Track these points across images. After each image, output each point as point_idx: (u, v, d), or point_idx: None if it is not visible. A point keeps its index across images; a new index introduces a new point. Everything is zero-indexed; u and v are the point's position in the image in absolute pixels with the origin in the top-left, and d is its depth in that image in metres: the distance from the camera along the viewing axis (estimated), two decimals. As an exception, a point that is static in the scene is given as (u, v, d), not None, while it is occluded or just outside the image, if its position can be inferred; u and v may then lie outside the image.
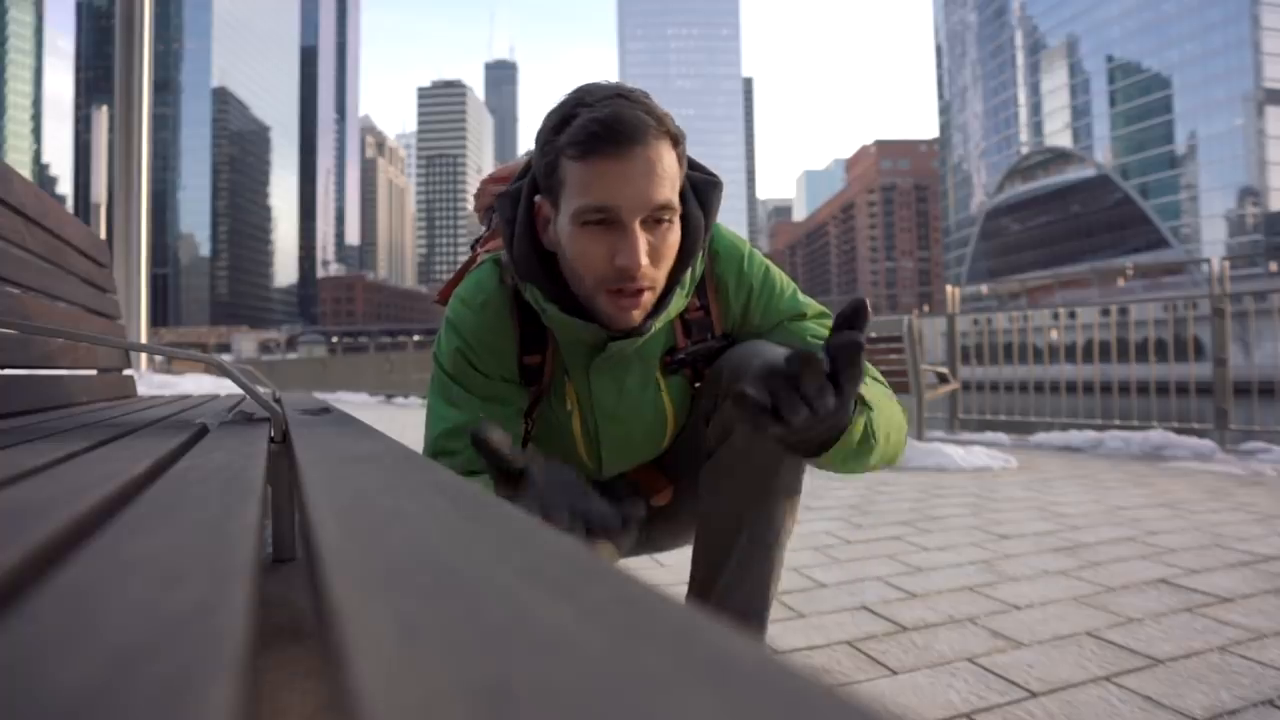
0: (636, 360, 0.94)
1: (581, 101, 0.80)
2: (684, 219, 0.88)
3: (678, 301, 0.90)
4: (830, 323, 1.00)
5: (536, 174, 0.86)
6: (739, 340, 0.97)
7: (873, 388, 0.86)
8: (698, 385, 1.00)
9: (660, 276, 0.85)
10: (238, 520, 0.31)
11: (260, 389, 1.27)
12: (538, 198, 0.88)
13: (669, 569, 1.80)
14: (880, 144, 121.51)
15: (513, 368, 0.95)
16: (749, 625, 0.86)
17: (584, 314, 0.87)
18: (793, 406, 0.63)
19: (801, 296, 1.00)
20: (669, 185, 0.81)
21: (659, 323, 0.88)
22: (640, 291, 0.83)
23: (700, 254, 0.91)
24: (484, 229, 1.11)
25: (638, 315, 0.85)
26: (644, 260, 0.80)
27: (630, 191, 0.79)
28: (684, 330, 0.96)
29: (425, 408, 0.97)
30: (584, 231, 0.81)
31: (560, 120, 0.81)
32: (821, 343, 0.82)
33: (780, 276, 0.99)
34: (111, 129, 6.51)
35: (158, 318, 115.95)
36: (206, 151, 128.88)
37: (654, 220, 0.81)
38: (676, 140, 0.83)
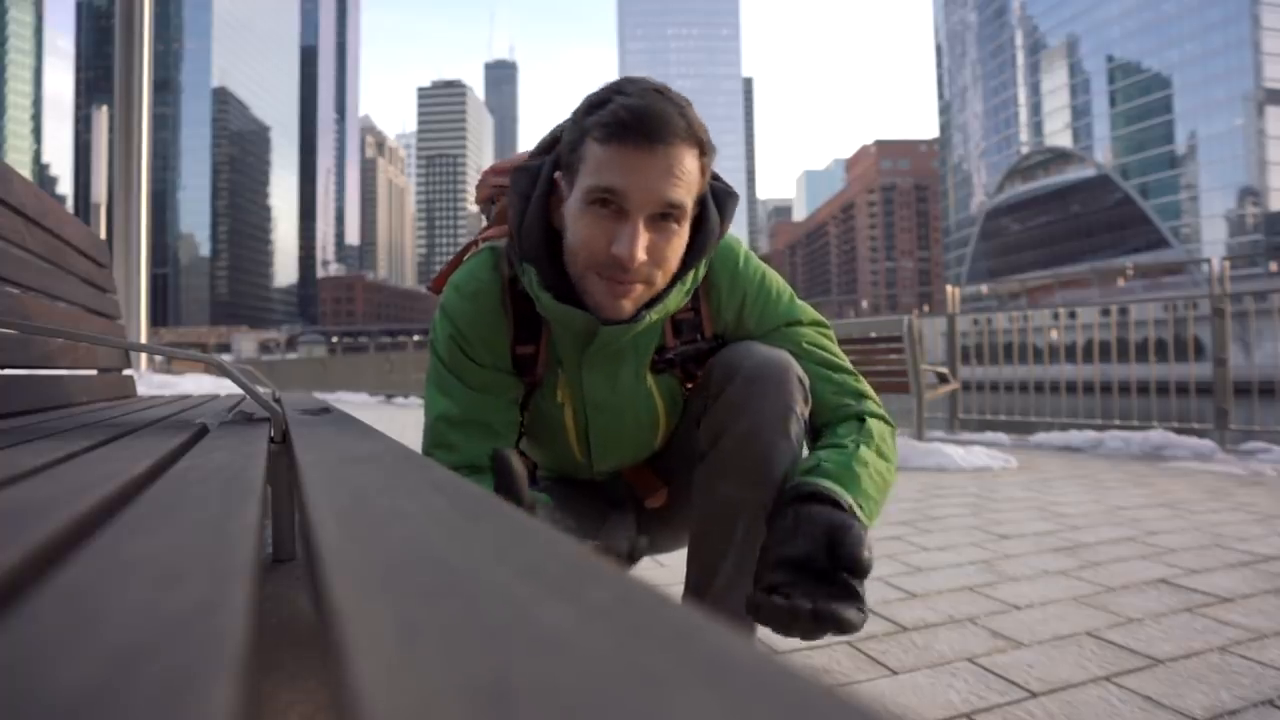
0: (630, 354, 0.94)
1: (621, 89, 0.81)
2: (700, 224, 0.88)
3: (676, 298, 0.89)
4: (830, 333, 1.00)
5: (561, 151, 0.87)
6: (729, 342, 0.97)
7: (871, 472, 0.85)
8: (689, 386, 1.00)
9: (658, 276, 0.84)
10: (238, 520, 0.31)
11: (260, 389, 1.27)
12: (558, 174, 0.88)
13: (669, 569, 1.80)
14: (880, 144, 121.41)
15: (506, 357, 0.95)
16: (745, 627, 0.86)
17: (578, 302, 0.87)
18: (814, 633, 0.73)
19: (798, 302, 0.99)
20: (684, 188, 0.81)
21: (654, 315, 0.88)
22: (633, 283, 0.83)
23: (707, 259, 0.91)
24: (484, 223, 1.12)
25: (627, 306, 0.85)
26: (641, 255, 0.80)
27: (643, 184, 0.79)
28: (673, 330, 0.96)
29: (425, 402, 0.98)
30: (589, 211, 0.82)
31: (596, 102, 0.82)
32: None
33: (776, 281, 0.99)
34: (111, 129, 6.51)
35: (158, 318, 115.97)
36: (206, 151, 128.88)
37: (660, 217, 0.81)
38: (704, 150, 0.83)
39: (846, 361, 0.98)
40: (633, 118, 0.78)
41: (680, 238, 0.84)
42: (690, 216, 0.85)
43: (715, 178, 0.92)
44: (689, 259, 0.88)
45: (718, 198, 0.90)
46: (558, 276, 0.87)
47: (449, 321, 0.93)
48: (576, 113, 0.84)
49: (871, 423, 0.92)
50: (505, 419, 0.94)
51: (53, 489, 0.41)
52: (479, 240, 1.05)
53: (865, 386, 0.97)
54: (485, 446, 0.91)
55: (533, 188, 0.89)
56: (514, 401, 0.96)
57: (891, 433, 0.94)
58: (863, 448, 0.87)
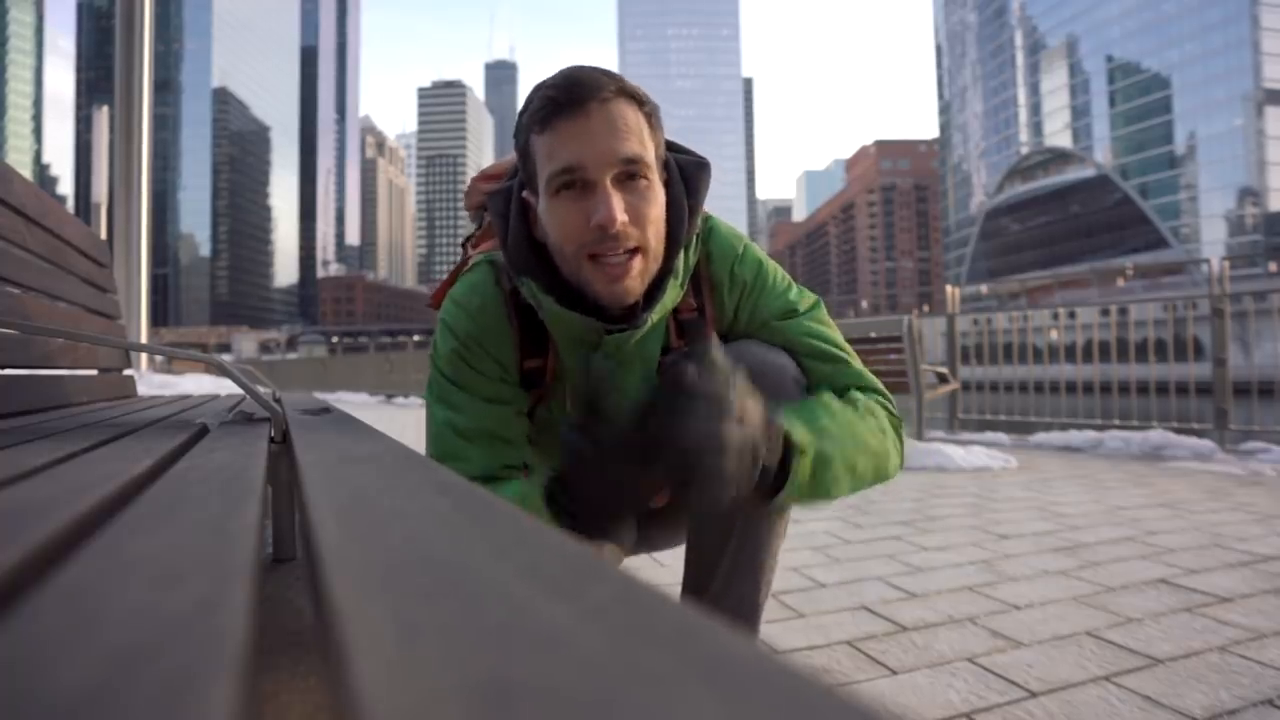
0: (638, 360, 0.94)
1: (543, 83, 0.83)
2: (668, 199, 0.87)
3: (672, 293, 0.88)
4: (825, 317, 0.98)
5: (521, 164, 0.87)
6: (734, 339, 0.96)
7: (837, 415, 0.84)
8: None
9: (649, 239, 0.82)
10: (238, 520, 0.31)
11: (260, 389, 1.27)
12: (525, 192, 0.88)
13: (669, 569, 1.80)
14: (880, 144, 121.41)
15: (513, 370, 0.94)
16: (743, 626, 0.86)
17: (581, 306, 0.86)
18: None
19: (793, 292, 0.97)
20: (635, 140, 0.80)
21: (655, 315, 0.87)
22: (627, 255, 0.81)
23: (693, 241, 0.90)
24: (476, 228, 1.11)
25: (632, 285, 0.83)
26: (620, 215, 0.79)
27: (593, 148, 0.78)
28: (678, 331, 0.96)
29: (425, 409, 0.97)
30: (559, 199, 0.81)
31: (526, 105, 0.84)
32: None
33: (774, 272, 0.97)
34: (112, 129, 6.51)
35: (158, 318, 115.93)
36: (206, 151, 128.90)
37: (627, 176, 0.80)
38: (642, 102, 0.83)
39: (843, 350, 0.95)
40: (559, 93, 0.79)
41: (655, 193, 0.83)
42: (657, 174, 0.84)
43: (680, 149, 0.92)
44: (670, 241, 0.86)
45: (683, 170, 0.89)
46: (554, 284, 0.87)
47: (453, 336, 0.92)
48: (516, 125, 0.86)
49: (855, 392, 0.90)
50: (515, 429, 0.93)
51: (53, 489, 0.41)
52: (470, 254, 1.04)
53: (859, 371, 0.94)
54: (498, 457, 0.91)
55: (508, 207, 0.89)
56: (519, 412, 0.95)
57: (885, 411, 0.91)
58: (829, 397, 0.87)
